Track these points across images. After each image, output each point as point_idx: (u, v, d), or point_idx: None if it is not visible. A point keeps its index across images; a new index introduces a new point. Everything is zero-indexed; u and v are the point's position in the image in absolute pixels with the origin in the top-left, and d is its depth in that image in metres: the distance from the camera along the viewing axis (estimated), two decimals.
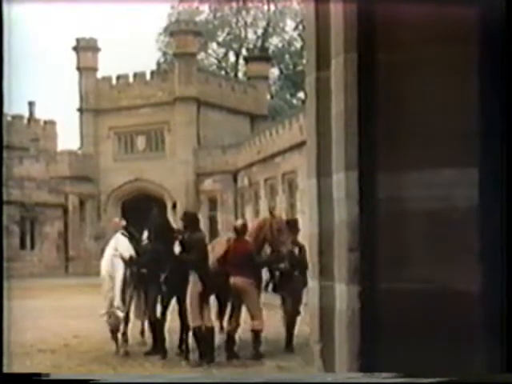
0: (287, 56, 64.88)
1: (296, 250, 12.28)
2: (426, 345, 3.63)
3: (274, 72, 64.26)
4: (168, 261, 11.51)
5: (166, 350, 11.62)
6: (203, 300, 11.27)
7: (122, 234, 12.73)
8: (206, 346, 11.22)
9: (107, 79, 49.66)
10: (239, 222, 13.10)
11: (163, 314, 11.87)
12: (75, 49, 49.76)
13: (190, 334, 11.52)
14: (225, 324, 12.29)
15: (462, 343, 3.56)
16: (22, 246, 43.34)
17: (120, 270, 12.10)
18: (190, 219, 11.97)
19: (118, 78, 49.46)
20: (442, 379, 3.53)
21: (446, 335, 3.59)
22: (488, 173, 3.51)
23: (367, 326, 3.71)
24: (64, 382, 3.96)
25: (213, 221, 44.77)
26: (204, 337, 11.21)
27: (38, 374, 3.89)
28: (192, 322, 11.20)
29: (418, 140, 3.64)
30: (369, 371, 3.71)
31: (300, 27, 60.76)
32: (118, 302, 11.98)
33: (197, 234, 11.65)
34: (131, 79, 49.11)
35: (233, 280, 11.50)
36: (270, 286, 12.66)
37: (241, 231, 11.99)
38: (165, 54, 63.38)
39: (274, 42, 65.79)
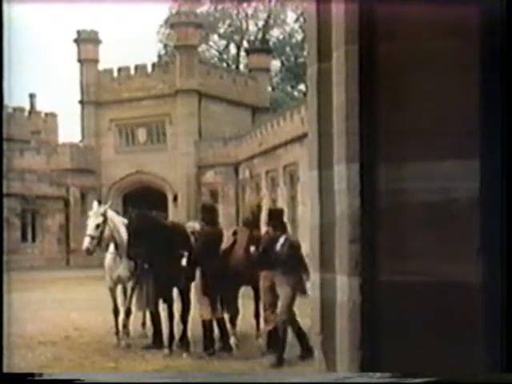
0: (288, 48, 64.81)
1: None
2: (426, 337, 3.63)
3: (276, 64, 64.19)
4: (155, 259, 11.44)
5: (169, 344, 11.56)
6: (209, 292, 11.33)
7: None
8: (211, 339, 11.26)
9: (108, 71, 49.60)
10: (278, 208, 12.77)
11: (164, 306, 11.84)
12: (76, 41, 49.69)
13: (189, 326, 11.54)
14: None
15: (462, 335, 3.56)
16: (23, 238, 43.36)
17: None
18: (208, 212, 12.00)
19: (120, 70, 49.40)
20: (441, 379, 3.53)
21: (446, 327, 3.59)
22: (489, 165, 3.51)
23: (368, 317, 3.71)
24: (62, 382, 3.96)
25: None
26: (211, 329, 11.27)
27: (37, 374, 3.89)
28: (204, 315, 11.25)
29: (419, 132, 3.63)
30: (369, 363, 3.71)
31: (301, 19, 60.67)
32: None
33: (214, 228, 11.70)
34: (132, 71, 49.05)
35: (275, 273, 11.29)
36: None
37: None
38: (166, 46, 63.30)
39: (275, 33, 65.78)
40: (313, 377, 4.23)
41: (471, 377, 3.52)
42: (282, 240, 10.71)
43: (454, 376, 3.53)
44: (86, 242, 12.10)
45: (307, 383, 4.15)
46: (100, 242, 12.15)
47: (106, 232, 12.19)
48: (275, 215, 11.41)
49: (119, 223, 12.53)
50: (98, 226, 12.08)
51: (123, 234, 12.20)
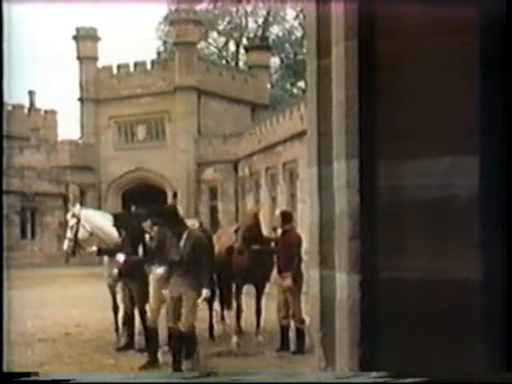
0: (288, 45, 64.75)
1: None
2: (426, 334, 3.63)
3: (275, 61, 64.14)
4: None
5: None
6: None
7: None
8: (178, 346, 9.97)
9: (108, 68, 49.55)
10: (282, 209, 12.61)
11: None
12: (75, 38, 49.64)
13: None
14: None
15: (462, 332, 3.56)
16: (23, 235, 43.33)
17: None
18: (169, 214, 10.34)
19: (119, 67, 49.34)
20: (440, 378, 3.53)
21: (446, 324, 3.59)
22: (488, 161, 3.51)
23: (368, 315, 3.71)
24: (61, 382, 3.96)
25: (213, 210, 44.81)
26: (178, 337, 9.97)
27: (34, 373, 3.89)
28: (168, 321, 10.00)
29: (419, 128, 3.63)
30: (369, 360, 3.71)
31: (300, 16, 60.63)
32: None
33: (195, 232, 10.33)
34: (132, 68, 48.98)
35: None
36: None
37: (288, 220, 11.64)
38: (165, 43, 63.23)
39: (275, 30, 65.70)
40: (311, 376, 4.23)
41: (471, 377, 3.53)
42: (184, 236, 9.69)
43: (454, 376, 3.53)
44: (65, 245, 12.48)
45: (307, 383, 4.15)
46: (76, 243, 12.25)
47: (82, 232, 12.23)
48: (166, 212, 10.41)
49: (102, 221, 12.49)
50: (71, 228, 12.20)
51: (109, 231, 12.14)
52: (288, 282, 11.01)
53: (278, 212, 12.25)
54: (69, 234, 12.30)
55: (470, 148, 3.52)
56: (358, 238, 3.72)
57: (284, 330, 11.35)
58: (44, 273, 33.39)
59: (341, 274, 3.87)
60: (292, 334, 11.36)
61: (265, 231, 13.37)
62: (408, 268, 3.64)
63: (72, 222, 12.26)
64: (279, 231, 11.70)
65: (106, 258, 12.60)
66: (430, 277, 3.61)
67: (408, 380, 3.52)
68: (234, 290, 12.30)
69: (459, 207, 3.55)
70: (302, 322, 11.04)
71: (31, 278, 28.46)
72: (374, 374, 3.59)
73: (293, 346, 11.14)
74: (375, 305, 3.69)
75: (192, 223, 12.51)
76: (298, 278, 11.07)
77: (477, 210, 3.53)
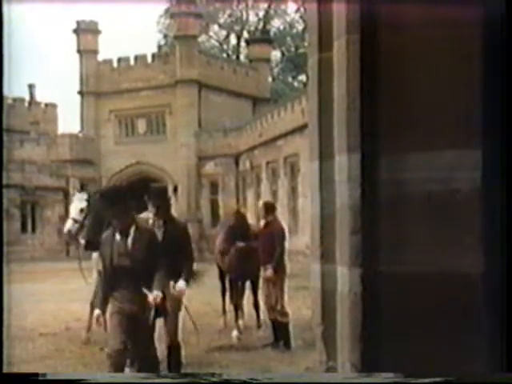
0: (289, 38, 64.67)
1: None
2: (427, 328, 3.62)
3: (276, 54, 64.06)
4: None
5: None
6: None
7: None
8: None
9: (108, 62, 49.48)
10: (264, 201, 12.44)
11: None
12: (75, 31, 49.58)
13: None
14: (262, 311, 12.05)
15: (463, 326, 3.55)
16: (23, 229, 43.32)
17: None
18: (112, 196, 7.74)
19: (119, 60, 49.28)
20: (441, 379, 3.53)
21: (447, 317, 3.58)
22: (490, 155, 3.50)
23: (369, 308, 3.71)
24: (63, 382, 3.96)
25: (214, 204, 44.81)
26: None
27: (41, 374, 3.89)
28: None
29: (420, 122, 3.62)
30: (370, 354, 3.71)
31: (302, 9, 60.54)
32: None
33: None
34: (132, 62, 48.92)
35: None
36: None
37: (271, 211, 11.46)
38: (166, 36, 63.15)
39: (276, 24, 65.62)
40: (318, 377, 4.23)
41: (472, 377, 3.52)
42: (131, 232, 7.26)
43: (455, 376, 3.53)
44: (69, 224, 11.75)
45: (311, 383, 4.15)
46: (82, 227, 11.81)
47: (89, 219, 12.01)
48: (109, 193, 8.47)
49: None
50: (81, 210, 11.79)
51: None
52: (268, 272, 10.86)
53: (260, 203, 12.14)
54: (76, 215, 11.73)
55: (471, 142, 3.51)
56: (359, 231, 3.71)
57: (274, 324, 11.17)
58: (44, 267, 33.32)
59: (342, 268, 3.86)
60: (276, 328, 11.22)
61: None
62: (409, 262, 3.63)
63: (82, 204, 11.83)
64: (262, 222, 11.61)
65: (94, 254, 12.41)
66: (431, 270, 3.60)
67: (417, 381, 3.51)
68: (233, 283, 12.29)
69: (461, 201, 3.54)
70: (285, 315, 10.94)
71: (32, 272, 28.41)
72: (384, 374, 3.59)
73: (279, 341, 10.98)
74: (376, 299, 3.68)
75: (146, 215, 11.71)
76: (280, 270, 10.92)
77: (478, 204, 3.51)
